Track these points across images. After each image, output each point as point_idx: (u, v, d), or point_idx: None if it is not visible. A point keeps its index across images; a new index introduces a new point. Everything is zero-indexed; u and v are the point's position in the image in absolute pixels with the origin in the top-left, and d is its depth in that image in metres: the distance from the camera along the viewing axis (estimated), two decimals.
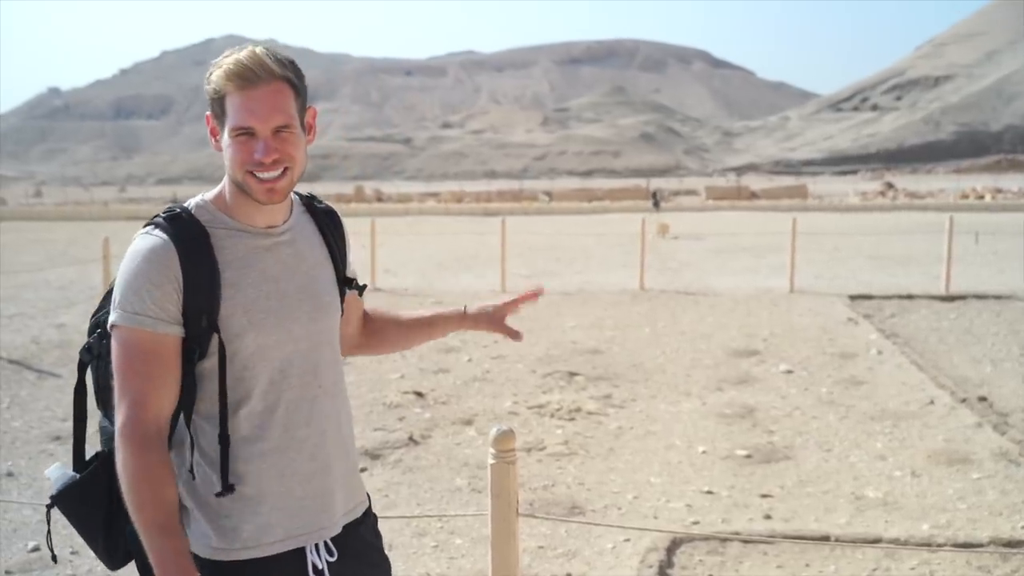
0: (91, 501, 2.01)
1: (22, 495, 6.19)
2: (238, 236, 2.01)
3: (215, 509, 1.99)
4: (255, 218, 2.04)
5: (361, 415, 8.04)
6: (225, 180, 2.03)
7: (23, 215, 51.99)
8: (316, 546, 2.08)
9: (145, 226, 1.97)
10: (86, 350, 2.04)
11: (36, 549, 5.27)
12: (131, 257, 1.93)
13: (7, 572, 4.98)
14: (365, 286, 2.36)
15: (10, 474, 6.63)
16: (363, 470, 6.66)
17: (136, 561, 2.01)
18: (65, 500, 2.02)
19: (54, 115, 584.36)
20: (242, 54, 1.94)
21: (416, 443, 7.36)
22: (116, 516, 2.01)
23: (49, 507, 2.06)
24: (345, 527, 2.16)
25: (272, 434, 2.02)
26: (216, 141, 2.00)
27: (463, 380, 9.44)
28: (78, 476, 2.03)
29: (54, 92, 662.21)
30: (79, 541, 5.22)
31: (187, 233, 1.94)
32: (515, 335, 2.68)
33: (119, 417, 1.89)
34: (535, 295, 2.66)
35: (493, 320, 2.67)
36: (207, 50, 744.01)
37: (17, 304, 15.10)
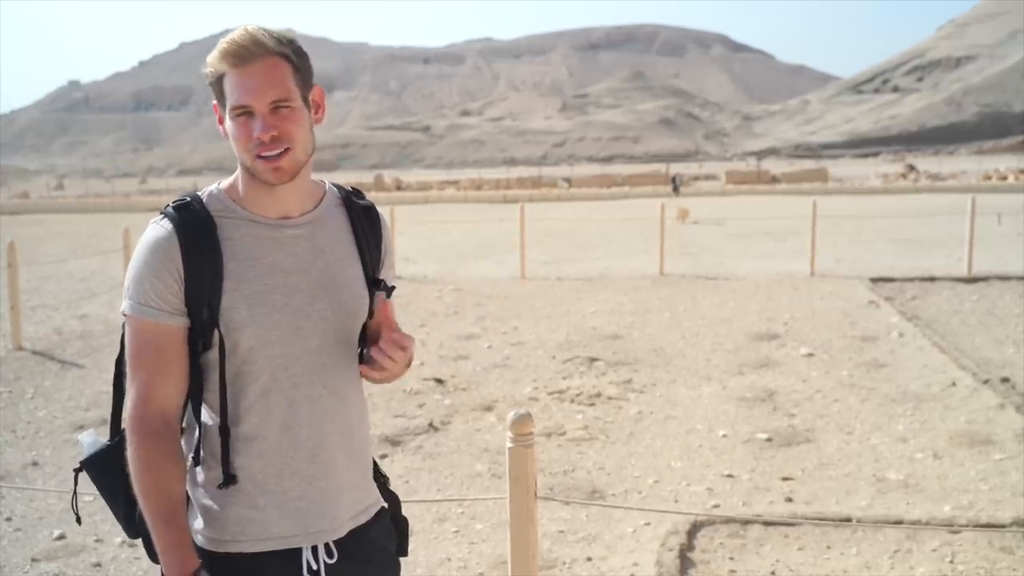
0: (117, 470, 1.99)
1: (47, 484, 6.25)
2: (248, 227, 1.96)
3: (213, 500, 1.98)
4: (268, 207, 1.98)
5: (381, 402, 8.07)
6: (239, 169, 1.99)
7: (45, 208, 52.33)
8: (315, 548, 2.02)
9: (158, 214, 1.97)
10: (123, 325, 2.01)
11: (61, 537, 5.32)
12: (139, 247, 1.93)
13: (33, 559, 5.03)
14: (393, 287, 2.19)
15: (35, 463, 6.69)
16: (383, 456, 6.70)
17: (143, 540, 2.03)
18: (93, 466, 2.05)
19: (75, 108, 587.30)
20: (235, 33, 1.91)
21: (436, 429, 7.38)
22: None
23: (77, 471, 2.09)
24: (352, 531, 2.10)
25: (271, 432, 1.97)
26: (223, 128, 1.95)
27: (483, 366, 9.45)
28: (107, 444, 2.05)
29: (74, 85, 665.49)
30: (104, 528, 5.31)
31: (192, 223, 1.91)
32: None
33: (127, 406, 1.92)
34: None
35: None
36: None
37: (40, 295, 15.22)
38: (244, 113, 1.89)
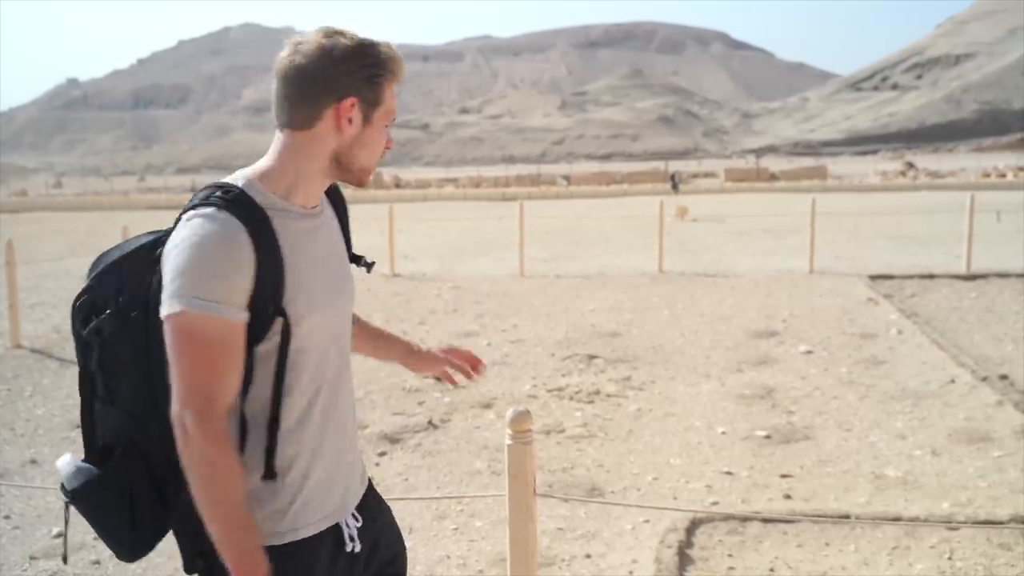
0: (111, 497, 1.94)
1: (45, 482, 6.25)
2: (288, 217, 1.96)
3: (262, 495, 1.98)
4: (308, 199, 2.03)
5: (380, 400, 8.07)
6: (292, 161, 1.98)
7: (44, 206, 52.29)
8: (347, 516, 2.14)
9: (198, 207, 1.88)
10: (94, 332, 1.94)
11: (60, 535, 5.32)
12: (195, 241, 1.82)
13: (31, 557, 5.04)
14: (373, 263, 2.32)
15: (33, 461, 6.70)
16: (383, 454, 6.71)
17: (186, 551, 2.01)
18: (86, 496, 1.95)
19: (73, 106, 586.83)
20: (395, 49, 2.00)
21: (436, 427, 7.38)
22: (143, 510, 1.97)
23: (67, 504, 1.99)
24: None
25: (315, 416, 2.03)
26: (349, 125, 1.98)
27: None
28: (95, 471, 1.95)
29: (72, 83, 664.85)
30: None
31: (253, 216, 1.89)
32: (452, 380, 2.69)
33: (187, 410, 1.82)
34: (472, 373, 2.66)
35: (435, 364, 2.65)
36: (224, 39, 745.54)
37: (39, 294, 15.22)
38: (388, 124, 2.04)
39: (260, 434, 1.96)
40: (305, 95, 1.95)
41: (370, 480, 2.36)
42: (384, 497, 2.38)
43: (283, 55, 1.97)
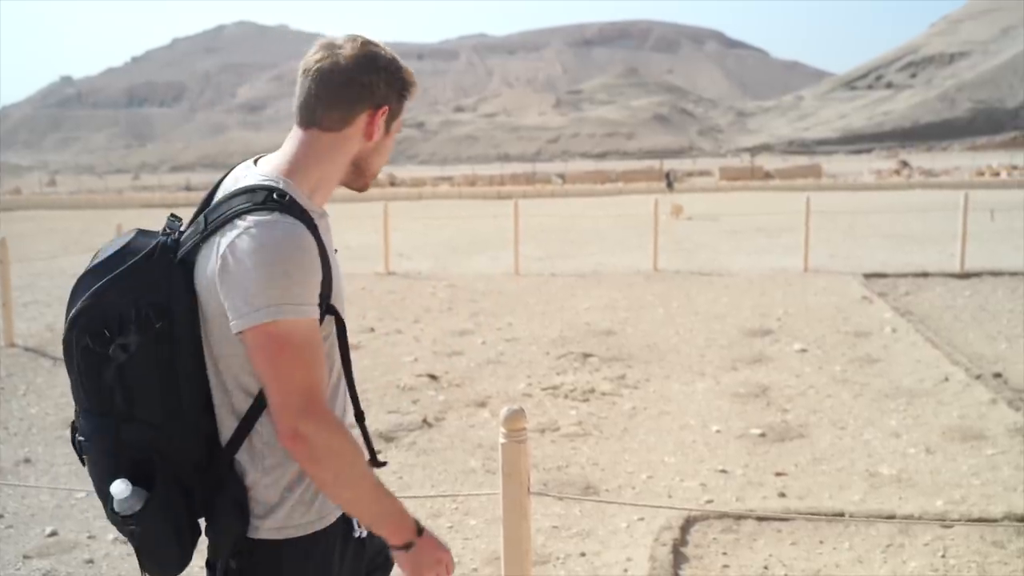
0: (166, 518, 1.91)
1: (39, 481, 6.24)
2: (317, 219, 1.97)
3: (299, 493, 2.01)
4: (324, 199, 2.07)
5: (375, 398, 8.07)
6: (318, 163, 2.00)
7: (38, 204, 52.16)
8: None
9: (254, 211, 1.86)
10: (121, 348, 1.85)
11: (54, 534, 5.31)
12: (273, 247, 1.81)
13: (25, 556, 5.03)
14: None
15: (27, 460, 6.68)
16: (377, 452, 6.68)
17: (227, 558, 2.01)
18: (151, 515, 1.89)
19: (67, 104, 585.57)
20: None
21: (430, 425, 7.38)
22: (185, 524, 1.97)
23: (133, 527, 1.91)
24: None
25: (335, 408, 2.07)
26: (377, 131, 2.05)
27: (477, 362, 9.45)
28: (146, 493, 1.88)
29: (66, 81, 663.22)
30: (97, 525, 5.30)
31: (307, 217, 1.90)
32: None
33: (298, 415, 1.83)
34: None
35: None
36: (218, 37, 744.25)
37: (33, 292, 15.20)
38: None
39: None
40: (342, 98, 1.97)
41: None
42: None
43: (318, 56, 1.98)
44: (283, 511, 1.99)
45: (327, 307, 1.95)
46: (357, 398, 2.12)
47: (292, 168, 1.98)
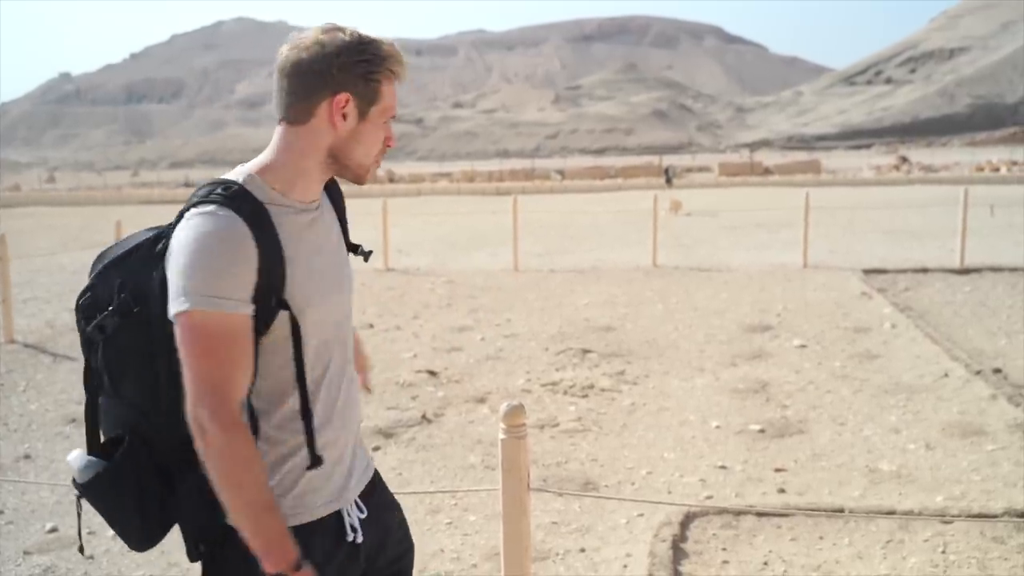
0: (122, 488, 1.97)
1: (39, 477, 6.24)
2: (286, 212, 1.99)
3: (272, 483, 2.00)
4: (307, 194, 2.05)
5: (374, 394, 8.06)
6: (290, 156, 2.01)
7: (37, 200, 52.17)
8: (349, 506, 2.16)
9: (199, 204, 1.90)
10: (98, 329, 1.95)
11: (54, 530, 5.31)
12: (199, 238, 1.85)
13: (25, 552, 5.03)
14: (371, 252, 2.34)
15: (27, 456, 6.68)
16: (376, 449, 6.70)
17: (191, 541, 2.03)
18: (96, 488, 1.99)
19: (66, 100, 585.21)
20: (394, 47, 2.02)
21: (429, 421, 7.38)
22: (151, 500, 2.00)
23: (79, 497, 2.03)
24: (369, 484, 2.26)
25: (325, 406, 2.07)
26: (344, 121, 1.99)
27: (476, 359, 9.45)
28: (105, 464, 1.98)
29: (65, 77, 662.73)
30: (97, 521, 5.26)
31: (253, 211, 1.91)
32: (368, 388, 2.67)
33: (202, 407, 1.84)
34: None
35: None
36: (217, 33, 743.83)
37: (32, 288, 15.18)
38: (387, 121, 2.06)
39: (271, 426, 2.01)
40: (301, 89, 1.97)
41: (380, 476, 2.38)
42: None
43: (283, 50, 1.99)
44: None
45: (278, 302, 1.93)
46: (307, 396, 2.02)
47: (265, 163, 2.02)
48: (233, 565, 1.98)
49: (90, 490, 1.99)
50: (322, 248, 2.08)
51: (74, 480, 2.01)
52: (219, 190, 1.92)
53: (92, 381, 2.02)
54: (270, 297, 1.91)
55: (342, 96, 1.96)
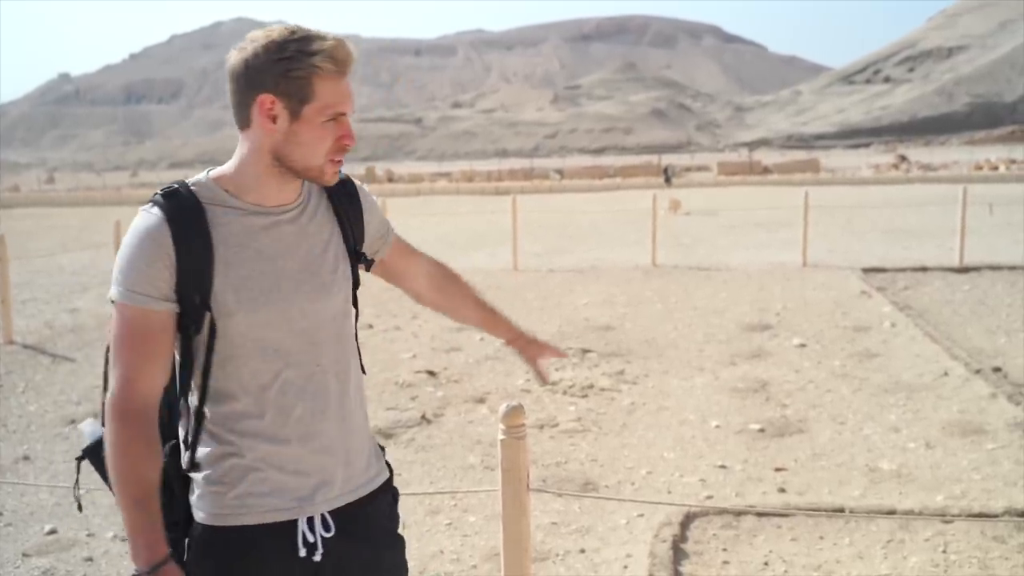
0: None
1: (38, 478, 6.23)
2: (235, 214, 1.98)
3: (213, 477, 2.01)
4: (270, 197, 2.02)
5: (374, 395, 8.05)
6: (242, 161, 2.00)
7: (36, 201, 52.17)
8: (310, 520, 2.05)
9: (147, 202, 1.97)
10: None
11: (53, 532, 5.30)
12: (129, 234, 1.94)
13: (24, 554, 5.02)
14: (373, 262, 2.33)
15: (26, 457, 6.67)
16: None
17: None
18: (96, 454, 2.07)
19: (65, 101, 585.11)
20: (337, 41, 1.95)
21: (429, 422, 7.37)
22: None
23: (80, 459, 2.13)
24: (350, 504, 2.12)
25: (266, 410, 2.01)
26: (273, 123, 1.94)
27: (475, 359, 9.44)
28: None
29: (64, 78, 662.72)
30: (96, 522, 5.29)
31: (182, 210, 1.92)
32: (545, 377, 2.78)
33: (109, 390, 1.94)
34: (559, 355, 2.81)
35: (533, 353, 2.73)
36: (216, 33, 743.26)
37: (31, 289, 15.17)
38: (334, 118, 1.96)
39: (207, 421, 2.03)
40: (237, 94, 1.98)
41: (395, 512, 2.32)
42: None
43: (230, 53, 2.00)
44: (196, 492, 2.04)
45: (203, 302, 1.93)
46: (205, 392, 2.00)
47: (226, 166, 2.04)
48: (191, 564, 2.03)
49: (90, 455, 2.10)
50: (280, 253, 2.02)
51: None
52: (161, 190, 1.98)
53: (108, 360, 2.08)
54: (194, 297, 1.93)
55: (265, 97, 1.92)
